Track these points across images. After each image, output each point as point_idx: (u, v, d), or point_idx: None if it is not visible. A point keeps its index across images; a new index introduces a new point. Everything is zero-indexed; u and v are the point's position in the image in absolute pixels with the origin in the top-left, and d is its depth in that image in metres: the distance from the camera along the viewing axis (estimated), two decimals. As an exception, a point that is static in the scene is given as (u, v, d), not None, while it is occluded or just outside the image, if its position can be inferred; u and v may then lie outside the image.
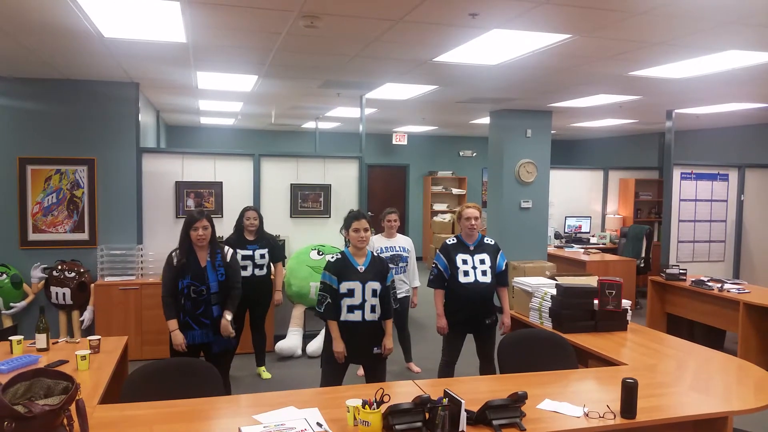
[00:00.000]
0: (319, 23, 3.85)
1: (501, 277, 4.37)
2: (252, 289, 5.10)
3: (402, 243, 5.52)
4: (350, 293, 3.61)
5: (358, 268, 3.65)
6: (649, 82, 5.73)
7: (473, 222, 4.27)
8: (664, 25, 3.77)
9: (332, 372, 3.69)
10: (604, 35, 4.07)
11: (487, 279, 4.27)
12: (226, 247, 4.11)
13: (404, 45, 4.46)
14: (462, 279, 4.24)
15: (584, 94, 6.70)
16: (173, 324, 3.89)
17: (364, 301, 3.62)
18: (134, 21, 3.93)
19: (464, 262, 4.27)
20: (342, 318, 3.62)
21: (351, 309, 3.61)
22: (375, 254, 3.78)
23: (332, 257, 3.71)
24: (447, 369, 4.39)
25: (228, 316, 4.00)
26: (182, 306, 3.92)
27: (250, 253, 5.21)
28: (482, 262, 4.28)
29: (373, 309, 3.65)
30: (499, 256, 4.38)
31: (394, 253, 5.40)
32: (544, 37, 4.13)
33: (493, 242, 4.41)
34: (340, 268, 3.64)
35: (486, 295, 4.30)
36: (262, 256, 5.28)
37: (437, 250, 4.45)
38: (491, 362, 4.32)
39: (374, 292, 3.64)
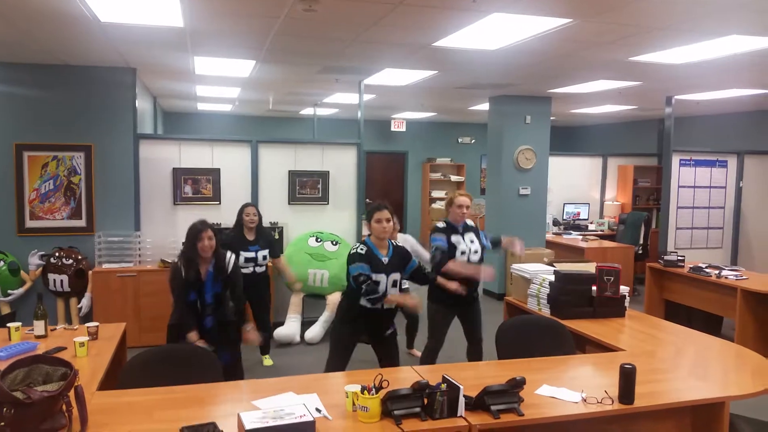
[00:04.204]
0: (318, 7, 3.81)
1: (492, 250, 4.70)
2: (252, 285, 5.11)
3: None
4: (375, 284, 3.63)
5: (383, 260, 3.65)
6: (649, 67, 5.70)
7: (465, 210, 4.40)
8: (665, 9, 3.74)
9: (340, 355, 3.73)
10: (605, 19, 4.03)
11: (478, 257, 4.44)
12: (228, 255, 3.94)
13: (404, 29, 4.42)
14: (459, 258, 4.34)
15: (584, 79, 6.66)
16: (194, 336, 3.63)
17: (386, 292, 3.64)
18: (131, 5, 3.89)
19: (458, 243, 4.39)
20: (363, 303, 3.63)
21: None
22: (395, 244, 3.79)
23: (355, 249, 3.63)
24: (431, 355, 4.45)
25: (248, 326, 3.90)
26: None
27: (253, 255, 5.21)
28: (472, 242, 4.45)
29: None
30: (480, 234, 4.56)
31: None
32: (544, 21, 4.10)
33: (473, 224, 4.58)
34: (368, 259, 3.61)
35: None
36: (264, 257, 5.31)
37: (432, 233, 4.44)
38: (479, 343, 4.48)
39: (395, 283, 3.69)
